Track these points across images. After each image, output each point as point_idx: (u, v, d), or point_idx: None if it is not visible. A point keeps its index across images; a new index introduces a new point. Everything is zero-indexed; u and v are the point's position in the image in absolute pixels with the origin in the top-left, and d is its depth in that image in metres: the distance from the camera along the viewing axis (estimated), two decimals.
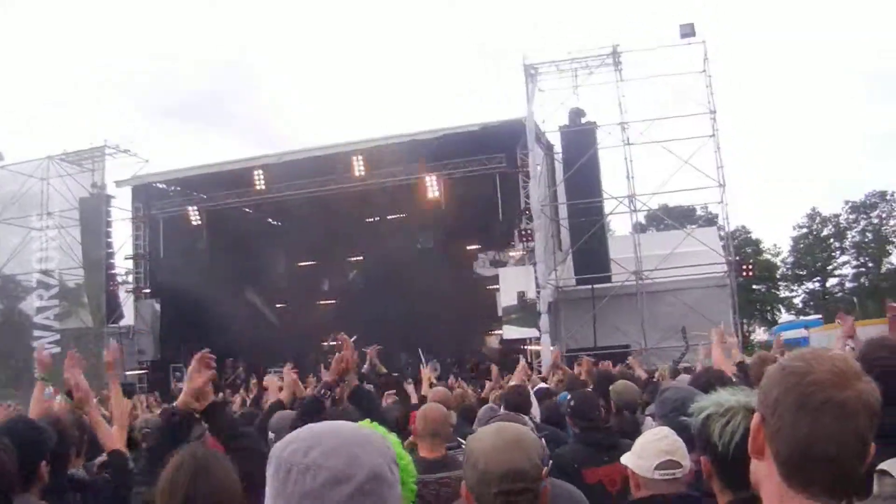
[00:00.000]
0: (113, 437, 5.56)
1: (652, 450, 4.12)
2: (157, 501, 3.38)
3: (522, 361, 13.87)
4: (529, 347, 27.97)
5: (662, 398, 5.01)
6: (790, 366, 2.01)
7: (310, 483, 1.82)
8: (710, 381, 5.78)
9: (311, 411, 5.92)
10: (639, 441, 4.34)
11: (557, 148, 30.80)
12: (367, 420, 3.46)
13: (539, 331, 27.21)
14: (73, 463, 5.56)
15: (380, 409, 6.87)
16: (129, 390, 27.03)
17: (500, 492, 3.09)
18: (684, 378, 9.34)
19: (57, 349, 31.54)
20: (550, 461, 3.88)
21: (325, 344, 36.95)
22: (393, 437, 3.20)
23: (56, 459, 4.66)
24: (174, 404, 4.82)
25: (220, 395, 16.34)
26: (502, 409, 7.95)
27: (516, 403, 7.98)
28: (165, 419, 4.82)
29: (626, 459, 4.26)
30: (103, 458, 5.77)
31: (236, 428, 4.65)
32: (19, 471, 3.98)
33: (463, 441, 5.18)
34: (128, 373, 32.58)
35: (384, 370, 12.68)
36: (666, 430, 4.27)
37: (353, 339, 6.98)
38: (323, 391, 6.21)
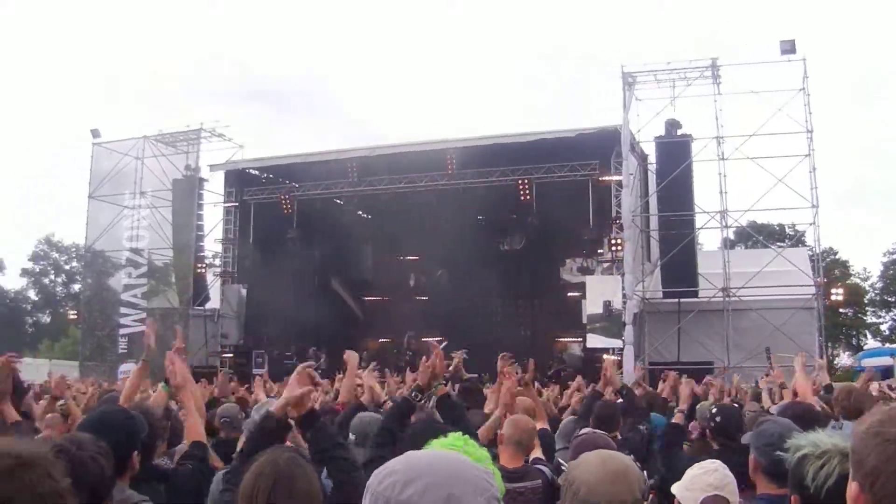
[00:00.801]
0: (198, 428, 5.81)
1: (700, 483, 4.09)
2: None
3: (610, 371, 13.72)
4: (608, 357, 27.96)
5: (759, 430, 4.85)
6: (885, 432, 2.00)
7: None
8: (796, 413, 6.25)
9: (400, 414, 6.14)
10: (690, 471, 4.29)
11: (651, 158, 31.07)
12: (460, 435, 3.58)
13: (623, 342, 27.62)
14: (158, 452, 5.80)
15: (466, 419, 6.67)
16: (209, 372, 28.08)
17: None
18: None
19: (142, 327, 32.53)
20: (651, 495, 4.00)
21: (407, 340, 37.66)
22: (484, 453, 3.46)
23: (144, 449, 4.80)
24: (270, 409, 4.93)
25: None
26: (589, 424, 7.87)
27: (606, 417, 7.89)
28: (261, 424, 4.86)
29: (675, 489, 4.22)
30: (184, 447, 5.97)
31: (334, 438, 4.82)
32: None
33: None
34: (210, 356, 33.99)
35: (467, 376, 13.26)
36: (717, 463, 4.22)
37: (442, 345, 7.13)
38: (415, 394, 6.36)
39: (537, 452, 6.79)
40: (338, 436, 5.02)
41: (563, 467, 6.20)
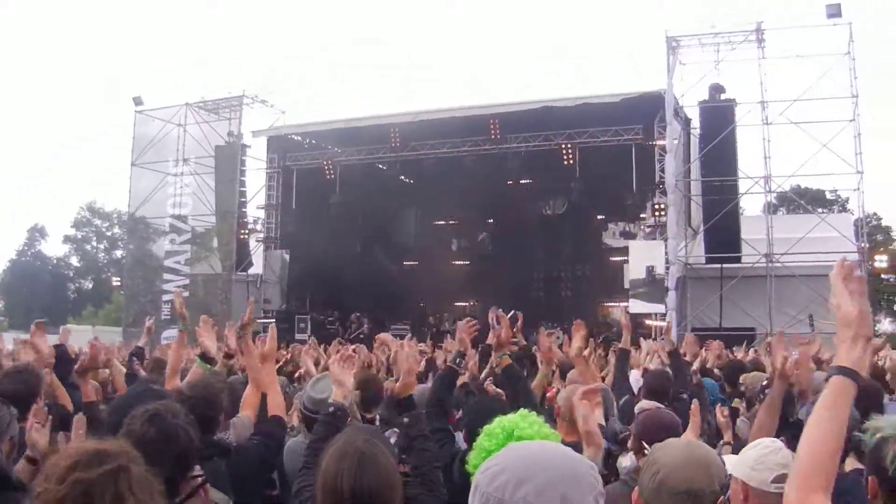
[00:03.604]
0: (279, 402, 5.92)
1: (768, 462, 4.01)
2: (318, 493, 3.55)
3: (652, 343, 13.42)
4: (653, 323, 28.30)
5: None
6: None
7: None
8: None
9: (448, 384, 6.31)
10: (750, 452, 4.24)
11: (695, 123, 31.23)
12: (526, 412, 3.89)
13: (666, 307, 28.05)
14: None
15: (528, 391, 6.81)
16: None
17: None
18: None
19: (186, 293, 33.31)
20: (729, 491, 3.85)
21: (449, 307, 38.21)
22: (553, 431, 3.79)
23: (205, 423, 4.84)
24: (331, 399, 5.12)
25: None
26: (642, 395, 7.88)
27: (657, 388, 7.78)
28: (326, 414, 4.98)
29: (736, 470, 4.13)
30: (241, 419, 6.02)
31: (424, 430, 4.98)
32: None
33: None
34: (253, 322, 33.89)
35: (524, 342, 13.35)
36: (778, 442, 4.19)
37: (509, 316, 7.19)
38: (458, 360, 6.53)
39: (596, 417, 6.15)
40: (431, 428, 5.17)
41: (622, 434, 6.39)
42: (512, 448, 2.20)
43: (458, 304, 40.51)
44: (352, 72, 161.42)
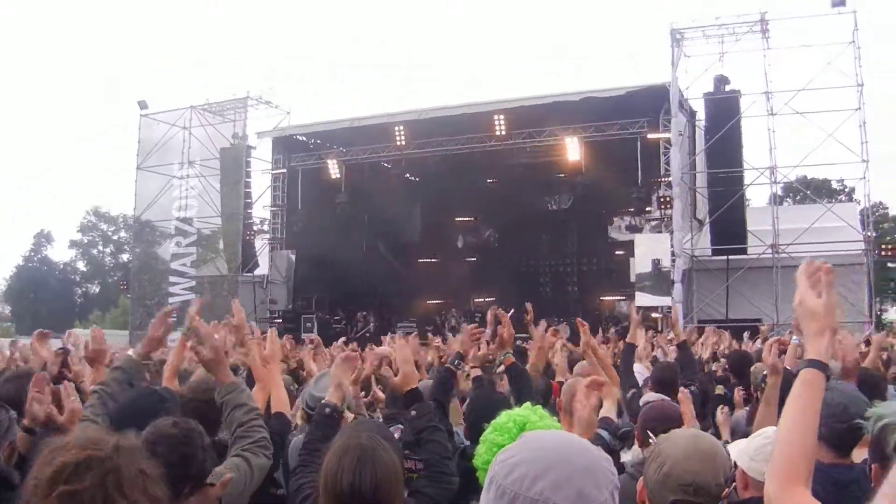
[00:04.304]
0: (283, 399, 5.83)
1: (766, 453, 3.93)
2: (321, 488, 3.57)
3: (660, 336, 13.57)
4: (657, 315, 28.44)
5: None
6: None
7: None
8: (861, 380, 6.37)
9: (445, 385, 6.20)
10: (752, 441, 4.36)
11: (700, 115, 31.37)
12: (529, 405, 3.79)
13: (672, 299, 27.89)
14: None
15: (532, 388, 6.71)
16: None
17: (675, 501, 3.27)
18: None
19: (191, 295, 33.57)
20: (734, 483, 3.93)
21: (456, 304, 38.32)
22: (557, 423, 3.77)
23: (207, 423, 4.53)
24: (325, 399, 5.05)
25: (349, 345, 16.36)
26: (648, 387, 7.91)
27: (665, 380, 7.82)
28: (320, 415, 4.94)
29: (738, 459, 4.23)
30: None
31: (433, 421, 4.93)
32: None
33: None
34: (260, 322, 33.99)
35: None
36: None
37: (510, 314, 7.14)
38: (456, 362, 6.45)
39: (607, 411, 6.36)
40: (436, 419, 5.10)
41: (622, 429, 6.43)
42: (528, 439, 2.16)
43: (458, 300, 40.53)
44: (352, 72, 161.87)
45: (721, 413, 6.95)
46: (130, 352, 5.29)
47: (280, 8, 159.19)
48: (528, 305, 8.52)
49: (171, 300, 36.95)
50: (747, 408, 8.33)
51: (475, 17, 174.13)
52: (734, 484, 3.90)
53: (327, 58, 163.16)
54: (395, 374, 9.70)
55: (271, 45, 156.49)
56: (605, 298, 38.34)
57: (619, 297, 37.07)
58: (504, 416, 3.73)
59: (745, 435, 5.35)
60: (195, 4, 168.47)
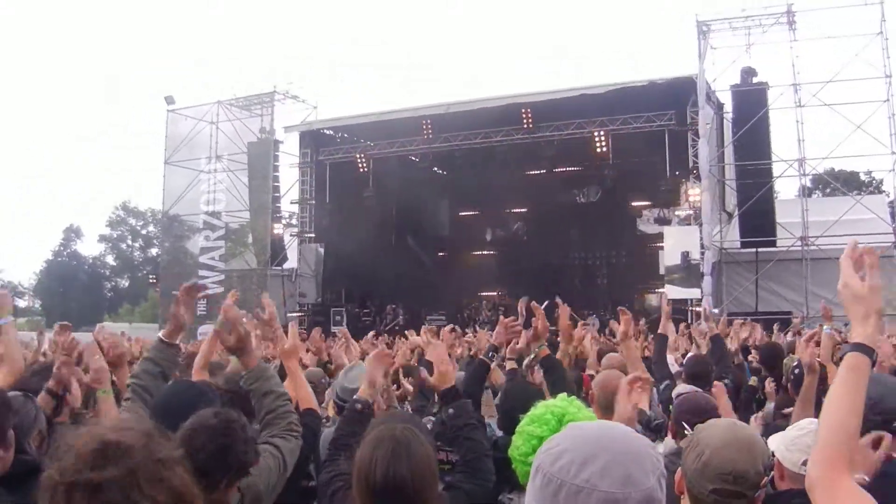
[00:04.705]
0: (309, 396, 5.68)
1: (801, 444, 4.09)
2: (353, 479, 3.56)
3: (694, 328, 13.56)
4: (691, 309, 27.88)
5: None
6: None
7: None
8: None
9: (480, 377, 6.38)
10: (790, 431, 4.36)
11: (727, 107, 31.18)
12: (565, 396, 3.84)
13: (701, 292, 27.94)
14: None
15: (567, 379, 6.63)
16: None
17: (715, 489, 3.25)
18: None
19: (220, 289, 33.71)
20: (772, 472, 3.78)
21: (485, 296, 38.37)
22: (592, 413, 3.80)
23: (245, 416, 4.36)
24: (356, 395, 5.11)
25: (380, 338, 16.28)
26: (682, 380, 7.90)
27: (699, 373, 7.81)
28: (351, 410, 5.00)
29: (775, 447, 4.21)
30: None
31: (472, 418, 4.88)
32: None
33: None
34: (289, 314, 34.34)
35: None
36: (815, 424, 3.95)
37: (544, 306, 7.04)
38: (491, 354, 6.58)
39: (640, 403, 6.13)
40: (475, 416, 5.07)
41: (655, 421, 6.58)
42: (573, 428, 2.15)
43: (487, 293, 40.59)
44: (352, 72, 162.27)
45: (754, 422, 6.86)
46: (160, 333, 5.24)
47: (280, 8, 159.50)
48: (558, 300, 8.52)
49: (200, 293, 36.97)
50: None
51: (475, 17, 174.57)
52: (772, 473, 3.79)
53: (327, 58, 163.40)
54: (419, 363, 9.77)
55: (271, 45, 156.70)
56: (635, 292, 38.22)
57: (649, 291, 37.13)
58: (542, 408, 3.77)
59: (776, 428, 5.34)
60: (195, 4, 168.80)
